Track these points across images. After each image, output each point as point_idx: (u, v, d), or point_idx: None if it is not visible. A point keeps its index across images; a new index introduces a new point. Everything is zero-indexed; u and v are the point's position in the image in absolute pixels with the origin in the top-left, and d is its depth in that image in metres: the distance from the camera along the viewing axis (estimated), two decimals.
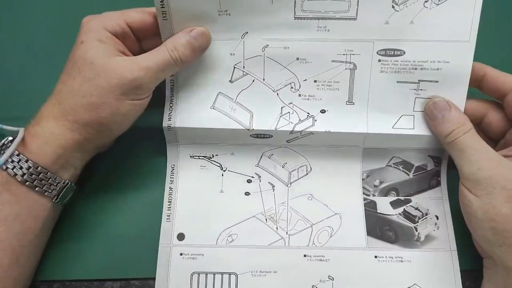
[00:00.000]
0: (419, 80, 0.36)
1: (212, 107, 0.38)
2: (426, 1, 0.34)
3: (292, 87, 0.38)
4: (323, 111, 0.38)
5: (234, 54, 0.37)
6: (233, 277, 0.36)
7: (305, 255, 0.36)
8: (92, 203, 0.38)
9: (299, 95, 0.38)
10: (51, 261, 0.36)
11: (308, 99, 0.38)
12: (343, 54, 0.36)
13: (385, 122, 0.37)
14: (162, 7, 0.34)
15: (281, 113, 0.38)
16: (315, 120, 0.38)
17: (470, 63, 0.35)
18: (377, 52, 0.36)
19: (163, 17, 0.35)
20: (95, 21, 0.34)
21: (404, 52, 0.35)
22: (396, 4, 0.34)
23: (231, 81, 0.38)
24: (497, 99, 0.36)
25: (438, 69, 0.35)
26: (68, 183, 0.33)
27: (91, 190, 0.38)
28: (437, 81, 0.36)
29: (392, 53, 0.36)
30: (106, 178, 0.39)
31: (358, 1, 0.34)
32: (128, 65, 0.32)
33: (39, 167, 0.31)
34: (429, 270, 0.36)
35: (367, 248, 0.37)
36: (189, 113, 0.38)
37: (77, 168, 0.35)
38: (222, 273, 0.36)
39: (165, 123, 0.38)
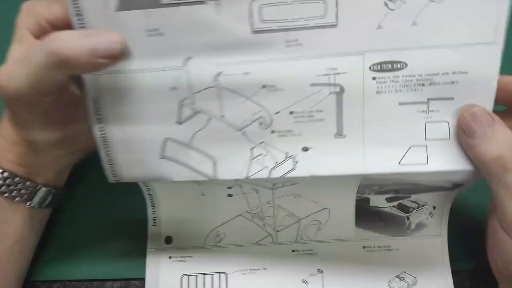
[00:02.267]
0: (428, 99, 0.27)
1: (162, 157, 0.29)
2: None
3: (261, 123, 0.28)
4: (305, 149, 0.29)
5: (176, 88, 0.27)
6: (223, 277, 0.35)
7: (293, 250, 0.35)
8: (91, 203, 0.37)
9: (272, 131, 0.28)
10: (51, 261, 0.35)
11: (284, 135, 0.29)
12: (325, 75, 0.27)
13: (388, 157, 0.28)
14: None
15: (251, 156, 0.29)
16: (296, 162, 0.29)
17: (496, 72, 0.26)
18: (370, 68, 0.26)
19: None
20: (21, 16, 0.28)
21: (406, 64, 0.26)
22: (390, 1, 0.25)
23: (179, 122, 0.29)
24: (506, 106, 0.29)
25: (452, 82, 0.26)
26: (40, 187, 0.31)
27: (90, 191, 0.37)
28: (452, 98, 0.27)
29: (390, 66, 0.26)
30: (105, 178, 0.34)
31: (336, 1, 0.25)
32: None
33: (5, 173, 0.30)
34: (418, 257, 0.35)
35: (354, 239, 0.35)
36: (133, 167, 0.30)
37: (55, 170, 0.32)
38: (212, 274, 0.35)
39: (110, 178, 0.30)
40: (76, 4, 0.26)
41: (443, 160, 0.28)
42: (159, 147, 0.29)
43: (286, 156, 0.29)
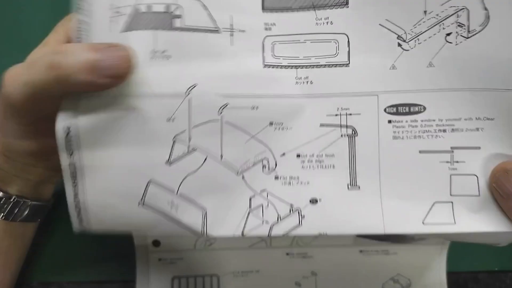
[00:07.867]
0: (452, 148, 0.24)
1: (140, 204, 0.25)
2: (449, 34, 0.24)
3: (264, 166, 0.25)
4: (313, 201, 0.25)
5: (173, 119, 0.25)
6: (214, 279, 0.34)
7: (287, 254, 0.34)
8: None
9: (276, 177, 0.25)
10: (48, 263, 0.35)
11: (289, 183, 0.25)
12: (336, 115, 0.25)
13: (410, 214, 0.24)
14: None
15: (249, 206, 0.25)
16: (303, 217, 0.24)
17: None
18: (385, 110, 0.25)
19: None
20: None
21: (424, 108, 0.24)
22: (404, 41, 0.24)
23: (169, 162, 0.25)
24: None
25: (477, 129, 0.24)
26: (15, 198, 0.28)
27: None
28: (479, 148, 0.24)
29: (407, 109, 0.24)
30: None
31: (348, 41, 0.25)
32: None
33: None
34: (414, 260, 0.33)
35: (353, 245, 0.33)
36: (106, 214, 0.25)
37: (31, 183, 0.29)
38: (203, 276, 0.34)
39: (75, 225, 0.25)
40: (80, 24, 0.25)
41: (473, 220, 0.24)
42: (140, 191, 0.25)
43: (291, 208, 0.25)
